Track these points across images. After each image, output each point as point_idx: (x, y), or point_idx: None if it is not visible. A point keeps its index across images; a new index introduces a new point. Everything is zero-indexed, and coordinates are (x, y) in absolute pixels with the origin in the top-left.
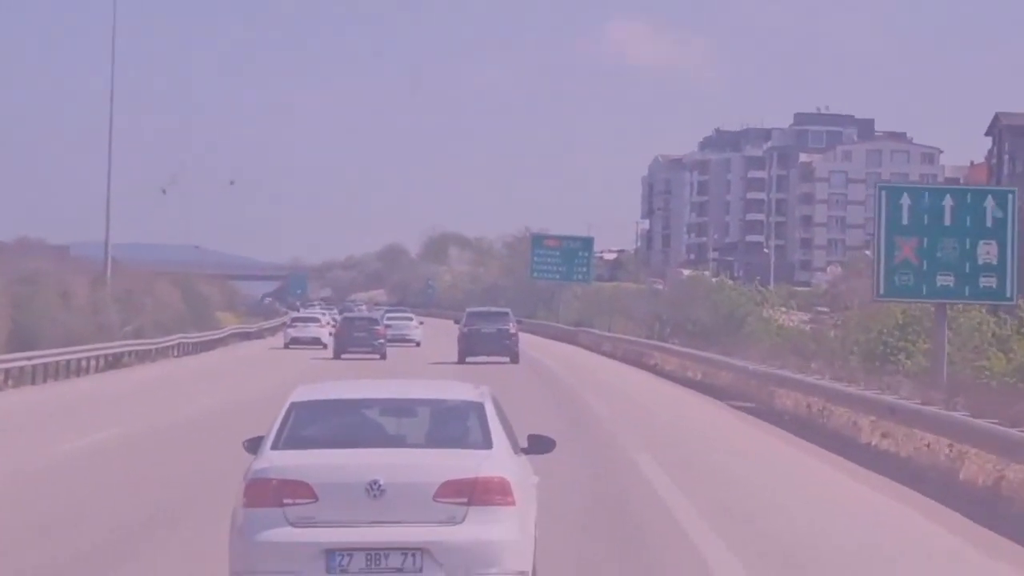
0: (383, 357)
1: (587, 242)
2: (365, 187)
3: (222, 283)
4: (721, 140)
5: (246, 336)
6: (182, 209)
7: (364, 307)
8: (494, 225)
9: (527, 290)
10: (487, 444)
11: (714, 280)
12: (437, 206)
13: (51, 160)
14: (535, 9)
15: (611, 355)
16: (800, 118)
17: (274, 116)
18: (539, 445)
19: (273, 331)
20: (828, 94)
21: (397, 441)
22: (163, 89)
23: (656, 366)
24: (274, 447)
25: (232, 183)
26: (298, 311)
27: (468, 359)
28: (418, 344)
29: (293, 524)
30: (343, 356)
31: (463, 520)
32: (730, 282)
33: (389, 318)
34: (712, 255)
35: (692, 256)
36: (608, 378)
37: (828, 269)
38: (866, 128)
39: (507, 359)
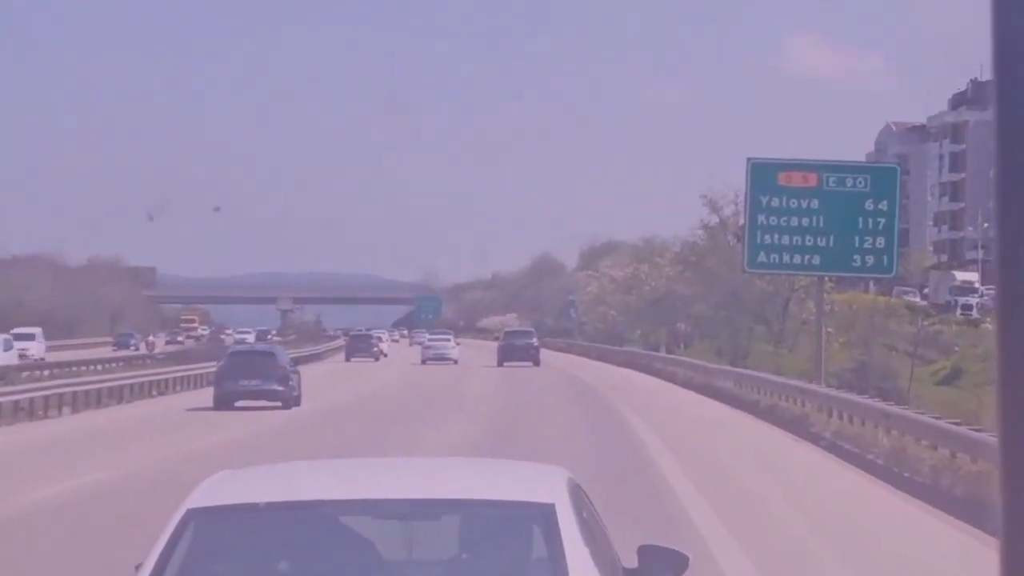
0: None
1: (889, 174)
2: (522, 201)
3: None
4: (981, 94)
5: None
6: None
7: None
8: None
9: (732, 300)
10: None
11: None
12: (605, 218)
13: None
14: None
15: None
16: None
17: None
18: (658, 566)
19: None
20: None
21: None
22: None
23: None
24: None
25: (217, 209)
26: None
27: (504, 363)
28: (455, 362)
29: None
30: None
31: None
32: None
33: (430, 339)
34: (974, 254)
35: (943, 256)
36: None
37: None
38: None
39: (530, 363)
